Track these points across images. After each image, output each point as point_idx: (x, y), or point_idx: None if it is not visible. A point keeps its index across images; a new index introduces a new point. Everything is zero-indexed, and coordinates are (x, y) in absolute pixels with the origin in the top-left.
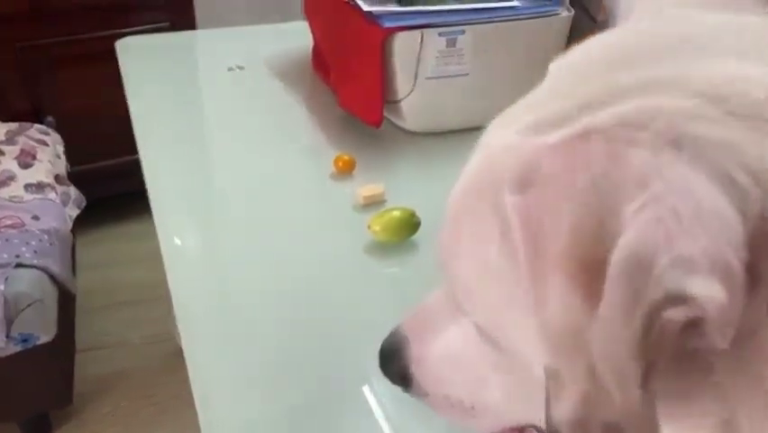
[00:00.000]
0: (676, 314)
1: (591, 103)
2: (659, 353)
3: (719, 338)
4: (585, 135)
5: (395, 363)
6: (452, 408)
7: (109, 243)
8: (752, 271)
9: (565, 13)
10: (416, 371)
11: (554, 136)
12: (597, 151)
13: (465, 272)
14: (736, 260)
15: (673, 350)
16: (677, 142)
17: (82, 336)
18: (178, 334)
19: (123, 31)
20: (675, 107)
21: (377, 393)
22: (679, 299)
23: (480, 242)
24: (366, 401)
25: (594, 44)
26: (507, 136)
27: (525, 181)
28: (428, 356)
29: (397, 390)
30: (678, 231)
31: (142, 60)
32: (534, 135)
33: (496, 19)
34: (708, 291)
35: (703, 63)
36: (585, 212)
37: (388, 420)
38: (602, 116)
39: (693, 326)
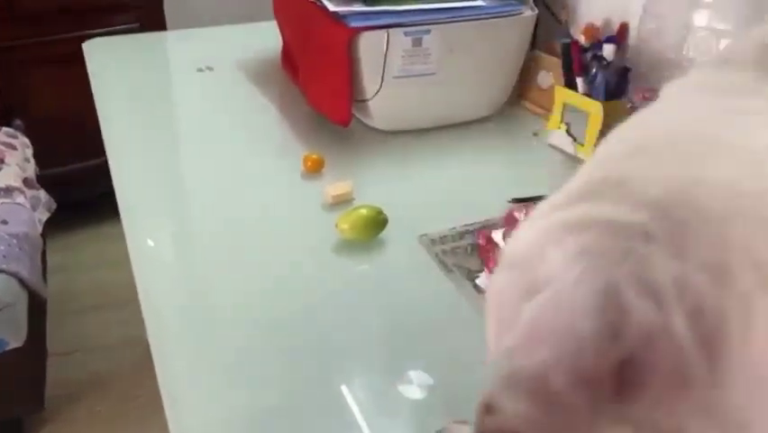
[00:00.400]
0: (490, 422)
1: (576, 196)
2: None
3: None
4: (549, 230)
5: None
6: None
7: (81, 246)
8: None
9: (529, 13)
10: None
11: (539, 224)
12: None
13: None
14: (562, 379)
15: None
16: (583, 252)
17: (57, 340)
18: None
19: (93, 32)
20: (607, 215)
21: (355, 393)
22: (490, 408)
23: None
24: (345, 401)
25: (621, 128)
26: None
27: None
28: None
29: (376, 389)
30: (526, 341)
31: (111, 62)
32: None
33: (461, 18)
34: (514, 407)
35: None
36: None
37: (367, 420)
38: (567, 213)
39: None
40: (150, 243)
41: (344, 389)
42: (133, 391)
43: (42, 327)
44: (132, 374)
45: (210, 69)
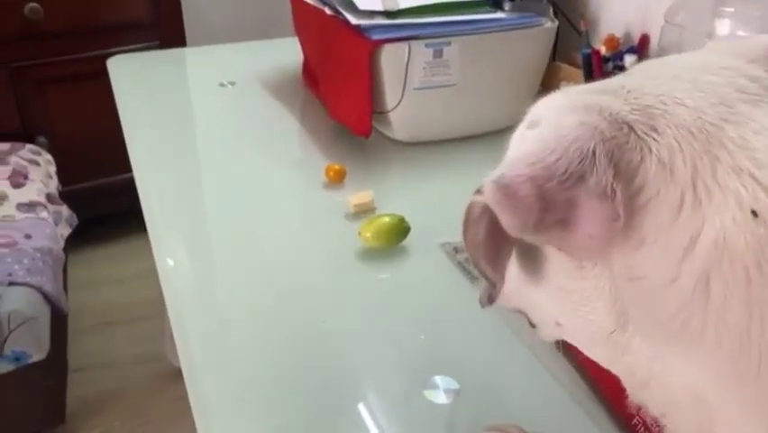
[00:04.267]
0: (474, 198)
1: (593, 88)
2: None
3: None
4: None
5: None
6: None
7: (100, 262)
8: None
9: (549, 24)
10: None
11: None
12: None
13: None
14: (526, 185)
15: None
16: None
17: (72, 355)
18: (171, 352)
19: (114, 50)
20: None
21: (372, 410)
22: (479, 191)
23: None
24: (362, 419)
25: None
26: None
27: None
28: None
29: (394, 407)
30: (514, 154)
31: (134, 78)
32: None
33: (481, 30)
34: (486, 192)
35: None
36: None
37: (393, 426)
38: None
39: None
40: (170, 261)
41: (368, 408)
42: (146, 409)
43: (63, 341)
44: (143, 392)
45: (232, 83)
